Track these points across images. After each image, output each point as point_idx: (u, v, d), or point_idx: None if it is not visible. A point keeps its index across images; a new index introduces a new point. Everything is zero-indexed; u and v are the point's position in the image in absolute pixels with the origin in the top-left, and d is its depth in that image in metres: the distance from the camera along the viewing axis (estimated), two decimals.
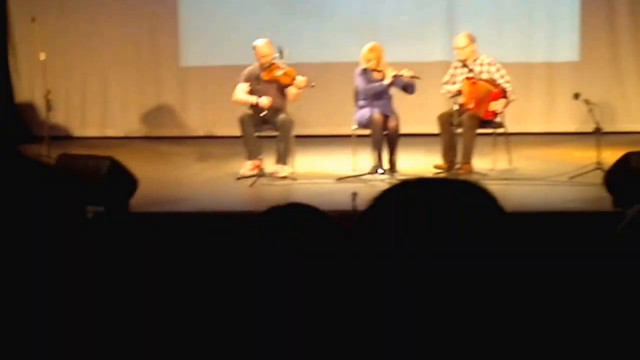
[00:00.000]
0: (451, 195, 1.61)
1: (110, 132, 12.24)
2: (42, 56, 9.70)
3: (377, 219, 1.63)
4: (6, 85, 12.15)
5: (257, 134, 9.36)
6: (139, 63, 12.22)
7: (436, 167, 9.31)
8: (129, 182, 8.08)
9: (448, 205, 1.60)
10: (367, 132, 9.35)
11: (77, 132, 12.28)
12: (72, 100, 12.22)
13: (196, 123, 12.26)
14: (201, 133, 12.13)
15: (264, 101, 9.33)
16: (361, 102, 9.48)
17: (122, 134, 12.19)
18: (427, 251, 1.56)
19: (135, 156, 9.77)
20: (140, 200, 8.07)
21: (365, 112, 9.37)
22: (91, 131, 12.27)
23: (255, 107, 9.42)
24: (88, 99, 12.33)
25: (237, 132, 9.45)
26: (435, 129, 9.41)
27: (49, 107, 9.78)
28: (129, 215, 7.76)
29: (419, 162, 9.74)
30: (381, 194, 1.65)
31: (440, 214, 1.58)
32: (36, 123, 11.87)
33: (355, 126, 9.50)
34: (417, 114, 10.77)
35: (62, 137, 11.61)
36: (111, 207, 7.67)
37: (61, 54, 11.89)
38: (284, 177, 9.25)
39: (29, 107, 12.16)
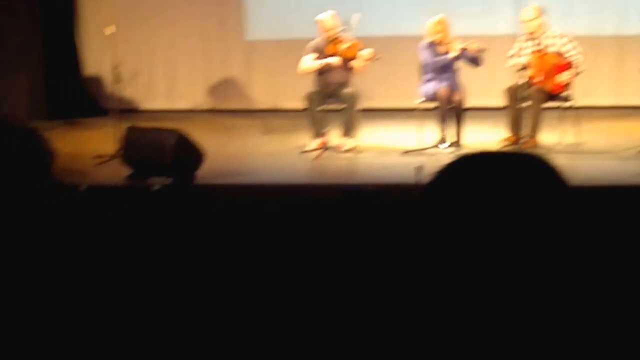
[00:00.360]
0: (515, 168, 1.60)
1: (177, 105, 12.33)
2: (110, 30, 9.79)
3: (441, 193, 1.62)
4: (75, 58, 12.29)
5: (322, 107, 9.37)
6: (205, 36, 12.28)
7: (502, 141, 9.23)
8: (195, 155, 8.15)
9: (511, 178, 1.58)
10: (432, 105, 9.30)
11: (145, 105, 12.39)
12: (140, 74, 12.33)
13: (262, 96, 12.29)
14: (266, 106, 12.17)
15: (334, 60, 9.34)
16: (427, 76, 9.42)
17: (188, 107, 12.28)
18: (490, 225, 1.55)
19: (201, 129, 9.84)
20: (205, 172, 8.14)
21: (430, 86, 9.32)
22: (158, 104, 12.37)
23: (323, 77, 9.42)
24: (155, 72, 12.43)
25: (302, 105, 9.46)
26: (501, 102, 9.33)
27: (116, 80, 9.88)
28: (194, 187, 7.84)
29: (485, 136, 9.66)
30: (445, 167, 1.64)
31: (503, 188, 1.57)
32: (104, 96, 12.00)
33: (421, 100, 9.45)
34: (483, 88, 10.67)
35: (130, 110, 11.73)
36: (177, 179, 7.75)
37: (129, 27, 11.98)
38: (349, 150, 9.26)
39: (97, 81, 12.29)
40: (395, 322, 1.67)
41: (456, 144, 9.16)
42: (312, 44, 9.54)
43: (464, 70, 9.44)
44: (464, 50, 9.19)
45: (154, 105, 12.36)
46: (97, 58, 12.21)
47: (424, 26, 9.43)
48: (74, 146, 9.48)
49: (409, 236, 1.64)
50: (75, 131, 10.83)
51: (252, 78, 12.36)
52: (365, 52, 9.35)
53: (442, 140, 9.17)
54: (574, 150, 9.04)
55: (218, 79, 12.42)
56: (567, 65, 9.21)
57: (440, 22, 9.33)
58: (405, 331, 1.64)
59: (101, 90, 12.21)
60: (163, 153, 7.89)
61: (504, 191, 1.57)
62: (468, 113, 9.27)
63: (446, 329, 1.58)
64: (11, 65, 10.93)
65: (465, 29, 10.39)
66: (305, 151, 9.19)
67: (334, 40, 9.41)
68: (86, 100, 12.10)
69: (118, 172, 8.20)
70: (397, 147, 9.31)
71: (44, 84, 11.66)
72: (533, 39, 9.35)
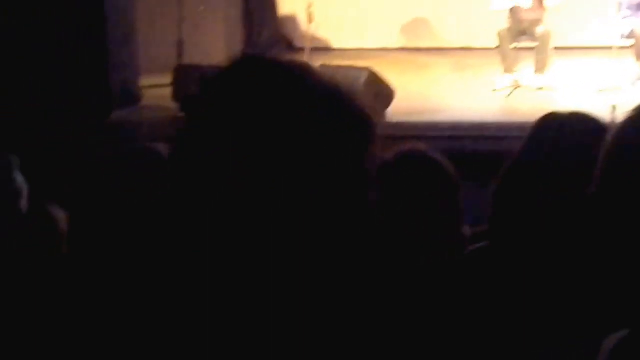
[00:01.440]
0: None
1: (368, 44, 12.41)
2: None
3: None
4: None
5: (514, 45, 9.26)
6: None
7: None
8: (386, 93, 8.24)
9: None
10: (630, 43, 9.04)
11: (337, 43, 12.52)
12: (332, 12, 12.45)
13: (453, 34, 12.21)
14: (458, 44, 12.08)
15: (525, 3, 9.22)
16: (624, 12, 9.15)
17: (379, 46, 12.34)
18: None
19: (392, 67, 9.90)
20: (396, 110, 8.22)
21: (628, 23, 9.06)
22: (350, 43, 12.48)
23: (516, 14, 9.31)
24: (347, 11, 12.53)
25: (494, 43, 9.38)
26: None
27: (310, 19, 10.04)
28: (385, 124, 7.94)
29: None
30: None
31: None
32: (298, 35, 12.21)
33: (618, 37, 9.20)
34: None
35: (322, 48, 11.89)
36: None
37: None
38: (541, 88, 9.14)
39: (292, 19, 12.51)
40: None
41: None
42: None
43: None
44: None
45: (346, 44, 12.47)
46: None
47: None
48: None
49: None
50: None
51: (443, 16, 12.28)
52: None
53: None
54: None
55: (410, 17, 12.41)
56: None
57: None
58: None
59: (295, 29, 12.42)
60: (354, 90, 8.01)
61: None
62: None
63: None
64: (210, 10, 11.25)
65: None
66: (497, 89, 9.13)
67: None
68: (281, 38, 12.35)
69: None
70: (592, 85, 9.11)
71: (242, 26, 11.97)
72: None
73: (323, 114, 1.32)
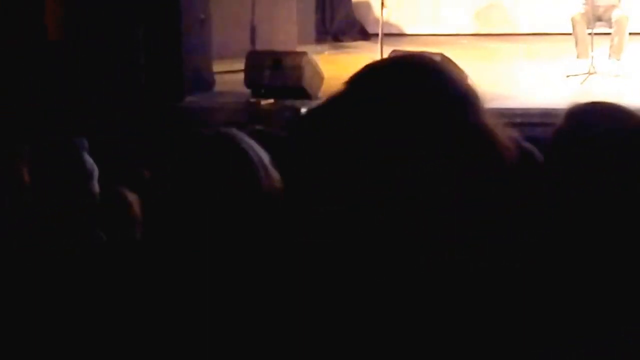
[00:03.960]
0: None
1: (440, 30, 12.35)
2: None
3: None
4: None
5: (590, 30, 9.13)
6: None
7: None
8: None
9: None
10: None
11: (410, 29, 12.48)
12: None
13: (527, 20, 12.10)
14: (532, 30, 11.97)
15: None
16: None
17: (452, 32, 12.27)
18: None
19: (464, 53, 9.83)
20: None
21: None
22: (423, 28, 12.43)
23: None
24: None
25: (567, 29, 9.27)
26: None
27: (383, 4, 10.01)
28: None
29: None
30: None
31: None
32: (371, 21, 12.20)
33: None
34: None
35: (395, 34, 11.86)
36: None
37: None
38: (617, 75, 9.00)
39: (365, 5, 12.50)
40: None
41: None
42: None
43: None
44: None
45: (419, 30, 12.43)
46: None
47: None
48: (341, 69, 9.74)
49: None
50: (341, 55, 11.10)
51: (516, 2, 12.17)
52: None
53: None
54: None
55: (482, 2, 12.32)
56: None
57: None
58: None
59: (368, 14, 12.40)
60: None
61: None
62: None
63: None
64: None
65: None
66: (571, 75, 9.01)
67: None
68: (355, 25, 12.35)
69: None
70: None
71: (315, 12, 12.00)
72: None
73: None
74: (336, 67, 9.71)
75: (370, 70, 1.56)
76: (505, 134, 1.49)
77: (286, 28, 11.00)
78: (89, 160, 3.14)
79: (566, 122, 1.73)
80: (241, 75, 8.84)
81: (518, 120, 7.34)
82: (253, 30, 10.15)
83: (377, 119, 1.42)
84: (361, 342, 1.41)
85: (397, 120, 1.41)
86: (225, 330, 1.60)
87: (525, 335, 1.59)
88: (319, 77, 8.65)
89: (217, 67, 9.44)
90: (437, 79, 1.52)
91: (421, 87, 1.46)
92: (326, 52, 10.96)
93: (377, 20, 10.75)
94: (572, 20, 9.13)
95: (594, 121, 1.70)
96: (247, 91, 8.67)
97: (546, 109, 7.70)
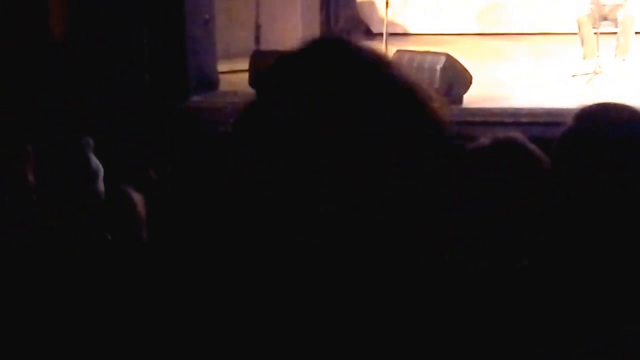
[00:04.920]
0: None
1: (445, 29, 12.34)
2: None
3: None
4: None
5: (595, 30, 9.12)
6: None
7: None
8: (463, 78, 8.19)
9: None
10: None
11: (414, 29, 12.47)
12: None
13: (531, 20, 12.08)
14: (536, 30, 11.95)
15: None
16: None
17: (457, 31, 12.26)
18: None
19: (469, 53, 9.82)
20: (472, 96, 8.16)
21: None
22: (427, 28, 12.42)
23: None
24: None
25: (572, 29, 9.26)
26: None
27: (388, 4, 10.01)
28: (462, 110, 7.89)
29: None
30: None
31: None
32: (375, 20, 12.19)
33: None
34: None
35: (400, 33, 11.86)
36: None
37: None
38: (622, 75, 8.99)
39: (369, 5, 12.49)
40: None
41: None
42: None
43: None
44: None
45: (424, 29, 12.42)
46: None
47: None
48: None
49: None
50: None
51: (521, 1, 12.16)
52: None
53: None
54: None
55: (487, 2, 12.31)
56: None
57: None
58: None
59: (373, 14, 12.40)
60: (431, 76, 7.98)
61: None
62: None
63: None
64: None
65: None
66: (577, 75, 9.00)
67: None
68: (359, 24, 12.34)
69: None
70: None
71: (319, 11, 12.00)
72: None
73: (392, 109, 1.32)
74: None
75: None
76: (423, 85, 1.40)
77: (291, 27, 11.00)
78: (94, 159, 3.14)
79: (576, 123, 1.72)
80: (246, 75, 8.84)
81: (523, 119, 7.35)
82: (258, 30, 10.15)
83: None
84: (361, 342, 1.40)
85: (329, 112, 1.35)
86: (225, 330, 1.59)
87: (525, 335, 1.59)
88: None
89: (221, 66, 9.44)
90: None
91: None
92: None
93: (381, 20, 10.75)
94: (578, 21, 9.11)
95: (605, 123, 1.69)
96: (252, 91, 8.66)
97: (552, 109, 7.69)
